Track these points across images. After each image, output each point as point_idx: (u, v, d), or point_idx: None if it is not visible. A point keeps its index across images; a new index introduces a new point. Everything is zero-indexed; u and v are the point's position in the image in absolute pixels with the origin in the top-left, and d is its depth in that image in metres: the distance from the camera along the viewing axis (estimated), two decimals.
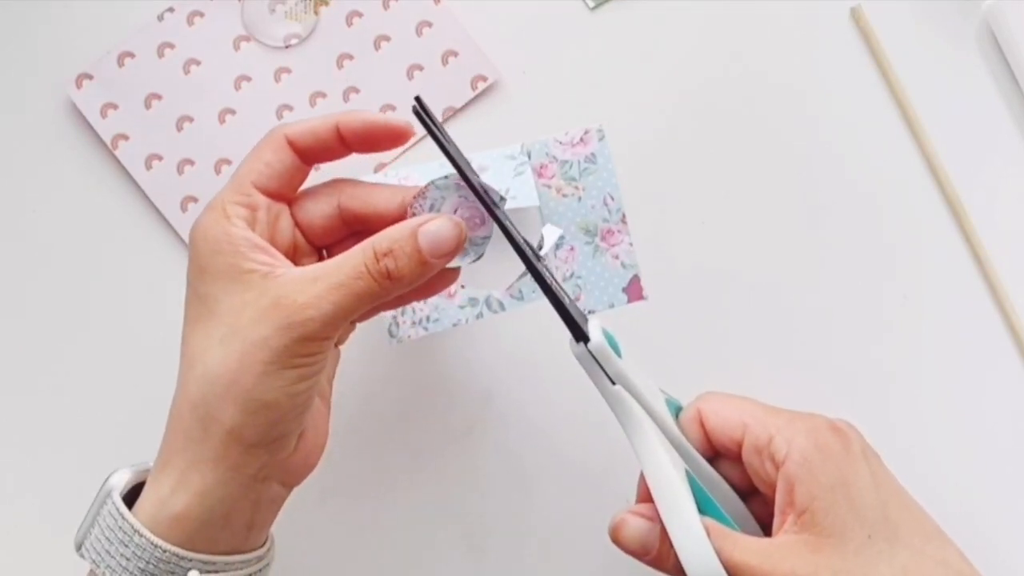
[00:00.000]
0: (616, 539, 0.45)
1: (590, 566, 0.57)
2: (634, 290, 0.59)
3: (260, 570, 0.47)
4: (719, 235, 0.59)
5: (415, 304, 0.58)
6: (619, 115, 0.60)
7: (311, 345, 0.43)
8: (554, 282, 0.45)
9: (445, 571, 0.58)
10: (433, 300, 0.58)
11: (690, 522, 0.42)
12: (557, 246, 0.58)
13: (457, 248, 0.45)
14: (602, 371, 0.44)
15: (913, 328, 0.59)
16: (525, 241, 0.45)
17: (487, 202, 0.46)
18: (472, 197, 0.46)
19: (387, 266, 0.44)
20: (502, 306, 0.58)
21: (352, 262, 0.44)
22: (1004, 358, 0.59)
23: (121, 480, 0.45)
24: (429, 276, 0.45)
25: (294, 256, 0.48)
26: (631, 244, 0.59)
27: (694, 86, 0.60)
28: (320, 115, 0.48)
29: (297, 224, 0.48)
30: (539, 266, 0.45)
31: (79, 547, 0.45)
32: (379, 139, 0.48)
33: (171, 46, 0.60)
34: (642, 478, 0.45)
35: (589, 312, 0.58)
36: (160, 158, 0.59)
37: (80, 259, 0.59)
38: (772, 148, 0.60)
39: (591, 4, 0.61)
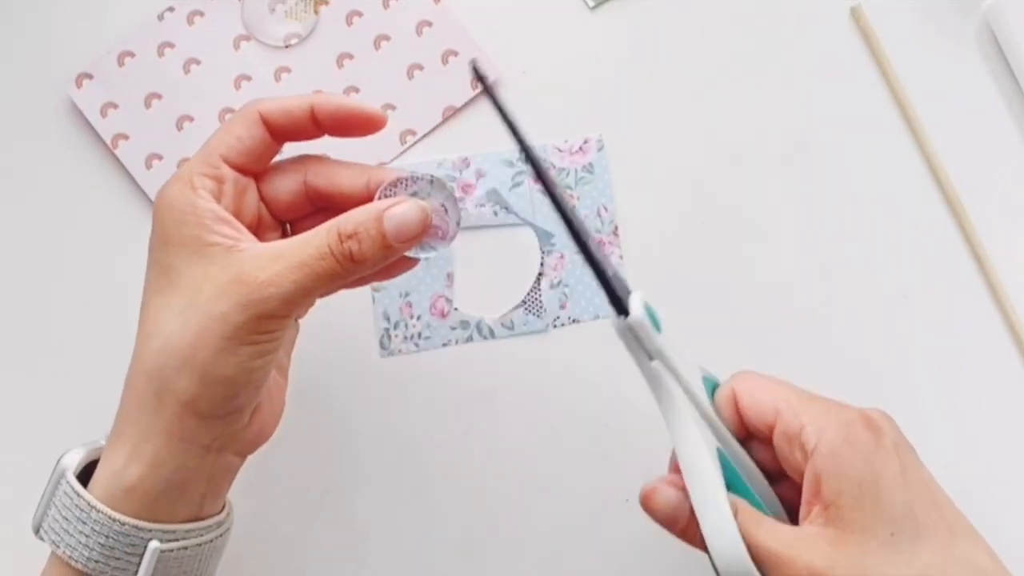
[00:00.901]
0: (647, 506, 0.44)
1: (589, 567, 0.57)
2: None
3: (220, 535, 0.47)
4: (715, 244, 0.59)
5: (407, 320, 0.58)
6: (618, 115, 0.60)
7: (270, 323, 0.43)
8: (598, 253, 0.43)
9: (444, 571, 0.58)
10: (425, 318, 0.58)
11: (717, 499, 0.42)
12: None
13: (422, 234, 0.45)
14: (640, 346, 0.44)
15: (913, 328, 0.59)
16: (572, 209, 0.44)
17: (541, 171, 0.44)
18: (450, 207, 0.47)
19: (351, 248, 0.44)
20: (492, 333, 0.58)
21: (316, 242, 0.44)
22: (1004, 358, 0.59)
23: (74, 460, 0.45)
24: (392, 259, 0.46)
25: (258, 230, 0.48)
26: (621, 257, 0.59)
27: (693, 85, 0.60)
28: (296, 95, 0.47)
29: (262, 198, 0.48)
30: (584, 237, 0.43)
31: (37, 530, 0.45)
32: (352, 124, 0.48)
33: (171, 45, 0.60)
34: (674, 455, 0.45)
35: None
36: (160, 157, 0.59)
37: (80, 258, 0.59)
38: (771, 148, 0.60)
39: (591, 3, 0.61)
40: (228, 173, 0.46)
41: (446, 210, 0.47)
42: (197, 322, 0.43)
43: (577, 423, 0.58)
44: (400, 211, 0.45)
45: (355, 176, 0.48)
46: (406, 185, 0.47)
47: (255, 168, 0.48)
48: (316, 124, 0.47)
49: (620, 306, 0.43)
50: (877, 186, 0.60)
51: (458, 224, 0.47)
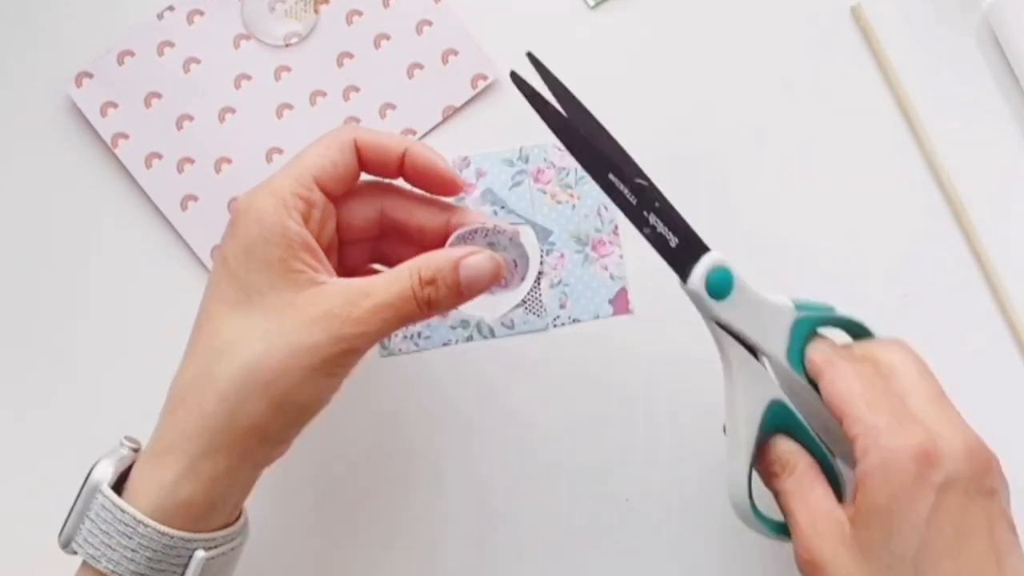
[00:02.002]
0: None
1: (590, 566, 0.57)
2: (620, 303, 0.59)
3: (244, 539, 0.48)
4: (714, 243, 0.59)
5: None
6: (617, 114, 0.60)
7: (354, 356, 0.45)
8: (659, 223, 0.47)
9: (444, 570, 0.58)
10: None
11: (739, 455, 0.46)
12: (547, 251, 0.58)
13: (489, 286, 0.47)
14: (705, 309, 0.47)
15: (913, 326, 0.59)
16: (643, 176, 0.47)
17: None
18: (520, 264, 0.49)
19: (429, 294, 0.45)
20: (493, 333, 0.58)
21: (400, 285, 0.45)
22: (1004, 356, 0.59)
23: (106, 473, 0.45)
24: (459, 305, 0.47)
25: (327, 251, 0.48)
26: (621, 256, 0.59)
27: (693, 84, 0.60)
28: (392, 134, 0.49)
29: (338, 223, 0.49)
30: (646, 210, 0.47)
31: (67, 543, 0.45)
32: (433, 182, 0.49)
33: (171, 45, 0.60)
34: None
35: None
36: (160, 157, 0.59)
37: (79, 258, 0.59)
38: (771, 147, 0.60)
39: (591, 2, 0.61)
40: (319, 198, 0.47)
41: (516, 265, 0.49)
42: (283, 350, 0.44)
43: (577, 423, 0.58)
44: (475, 262, 0.46)
45: (435, 214, 0.49)
46: (484, 234, 0.48)
47: (340, 194, 0.49)
48: (400, 168, 0.48)
49: (682, 270, 0.47)
50: (877, 185, 0.59)
51: (522, 279, 0.49)
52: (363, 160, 0.48)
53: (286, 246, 0.45)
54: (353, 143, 0.47)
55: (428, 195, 0.50)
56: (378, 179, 0.51)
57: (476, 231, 0.48)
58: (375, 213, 0.49)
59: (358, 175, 0.49)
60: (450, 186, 0.49)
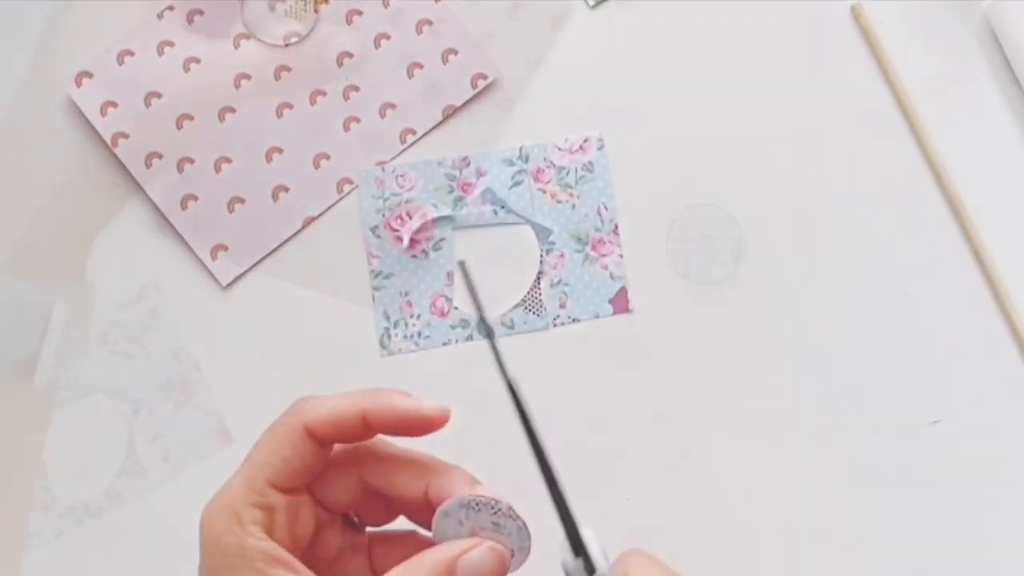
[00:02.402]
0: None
1: None
2: (620, 302, 0.59)
3: None
4: (713, 245, 0.59)
5: (407, 319, 0.58)
6: (617, 114, 0.60)
7: None
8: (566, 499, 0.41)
9: None
10: (425, 317, 0.58)
11: None
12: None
13: None
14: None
15: (913, 324, 0.59)
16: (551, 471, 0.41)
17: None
18: (520, 553, 0.42)
19: None
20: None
21: None
22: (1004, 355, 0.59)
23: None
24: None
25: (317, 533, 0.43)
26: (621, 256, 0.59)
27: (693, 84, 0.60)
28: (343, 397, 0.42)
29: (319, 502, 0.43)
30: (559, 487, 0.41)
31: None
32: (409, 428, 0.42)
33: (171, 44, 0.60)
34: None
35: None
36: (160, 156, 0.59)
37: (79, 257, 0.59)
38: (770, 146, 0.60)
39: (591, 2, 0.61)
40: (278, 500, 0.41)
41: (513, 555, 0.42)
42: None
43: (577, 422, 0.58)
44: (474, 561, 0.40)
45: (414, 478, 0.42)
46: (492, 510, 0.41)
47: (306, 483, 0.42)
48: (368, 429, 0.42)
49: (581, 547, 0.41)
50: (877, 183, 0.59)
51: (526, 553, 0.42)
52: (322, 439, 0.41)
53: (247, 567, 0.39)
54: (303, 430, 0.41)
55: (406, 454, 0.43)
56: (355, 446, 0.44)
57: (481, 503, 0.41)
58: (356, 483, 0.43)
59: (323, 456, 0.42)
60: (428, 422, 0.42)
